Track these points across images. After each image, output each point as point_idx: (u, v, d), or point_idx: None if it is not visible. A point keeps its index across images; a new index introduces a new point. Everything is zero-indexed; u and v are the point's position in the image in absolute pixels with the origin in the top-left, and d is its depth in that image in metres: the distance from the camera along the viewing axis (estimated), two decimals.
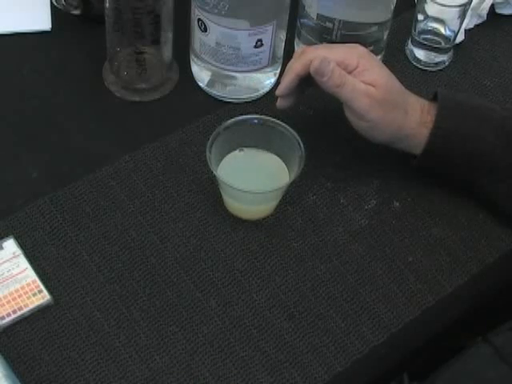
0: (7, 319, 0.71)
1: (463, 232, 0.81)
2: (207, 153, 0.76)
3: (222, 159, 0.80)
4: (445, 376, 0.70)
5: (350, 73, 0.77)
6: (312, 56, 0.77)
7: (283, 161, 0.80)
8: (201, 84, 0.91)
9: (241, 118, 0.79)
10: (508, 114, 0.79)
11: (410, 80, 0.94)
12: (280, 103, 0.81)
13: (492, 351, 0.70)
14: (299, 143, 0.77)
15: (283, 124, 0.78)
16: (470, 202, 0.82)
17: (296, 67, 0.79)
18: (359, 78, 0.77)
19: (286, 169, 0.80)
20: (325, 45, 0.86)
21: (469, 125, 0.78)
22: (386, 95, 0.77)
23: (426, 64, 0.95)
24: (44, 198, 0.80)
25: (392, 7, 0.87)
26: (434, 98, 0.81)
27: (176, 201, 0.81)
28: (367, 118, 0.77)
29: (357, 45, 0.80)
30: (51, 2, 0.95)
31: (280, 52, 0.89)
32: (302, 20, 0.90)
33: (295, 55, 0.81)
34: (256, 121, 0.79)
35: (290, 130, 0.78)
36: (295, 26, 0.91)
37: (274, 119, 0.79)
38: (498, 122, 0.78)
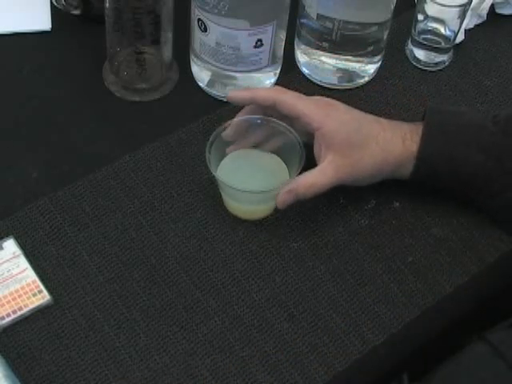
0: (7, 319, 0.71)
1: (463, 232, 0.81)
2: (207, 153, 0.76)
3: (221, 159, 0.80)
4: (441, 375, 0.70)
5: (313, 130, 0.77)
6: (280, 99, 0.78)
7: (283, 161, 0.80)
8: (201, 84, 0.91)
9: (243, 118, 0.79)
10: (498, 129, 0.78)
11: (410, 80, 0.94)
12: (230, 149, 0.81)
13: (488, 349, 0.70)
14: (299, 143, 0.77)
15: (284, 124, 0.78)
16: None
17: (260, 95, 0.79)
18: (320, 138, 0.77)
19: (286, 168, 0.80)
20: (295, 94, 0.82)
21: (455, 148, 0.77)
22: (346, 151, 0.76)
23: (426, 64, 0.95)
24: (44, 198, 0.80)
25: (392, 7, 0.87)
26: (424, 115, 0.80)
27: (176, 201, 0.81)
28: (351, 183, 0.78)
29: (320, 98, 0.80)
30: (51, 2, 0.95)
31: (280, 52, 0.89)
32: (301, 20, 0.89)
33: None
34: (259, 121, 0.79)
35: (290, 129, 0.78)
36: (295, 25, 0.91)
37: (275, 119, 0.79)
38: (488, 141, 0.77)
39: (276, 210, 0.80)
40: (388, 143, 0.77)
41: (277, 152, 0.80)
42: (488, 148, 0.77)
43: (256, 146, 0.81)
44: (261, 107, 0.80)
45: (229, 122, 0.79)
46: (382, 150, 0.77)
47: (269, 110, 0.80)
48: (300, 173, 0.76)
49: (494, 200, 0.78)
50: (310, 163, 0.77)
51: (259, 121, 0.79)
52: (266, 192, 0.77)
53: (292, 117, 0.78)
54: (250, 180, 0.79)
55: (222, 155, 0.80)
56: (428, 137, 0.77)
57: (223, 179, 0.76)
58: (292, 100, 0.78)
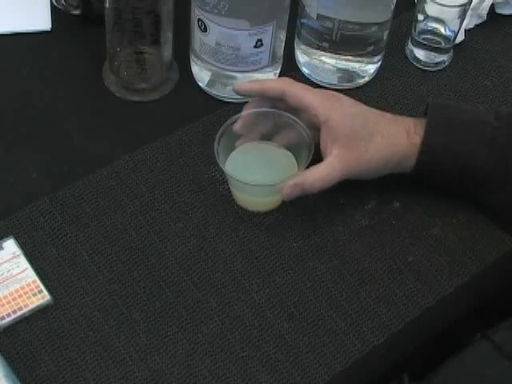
0: (7, 319, 0.71)
1: (463, 232, 0.81)
2: (215, 145, 0.76)
3: (230, 152, 0.79)
4: (443, 373, 0.70)
5: (319, 123, 0.77)
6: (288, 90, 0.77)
7: (292, 154, 0.80)
8: (201, 84, 0.91)
9: (254, 110, 0.79)
10: (501, 124, 0.78)
11: (410, 80, 0.94)
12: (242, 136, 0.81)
13: (492, 348, 0.70)
14: (308, 137, 0.77)
15: (294, 117, 0.78)
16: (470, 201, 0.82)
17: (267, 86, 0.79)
18: (326, 132, 0.77)
19: (295, 162, 0.79)
20: (303, 85, 0.82)
21: (459, 141, 0.77)
22: (352, 144, 0.76)
23: (426, 64, 0.95)
24: (44, 198, 0.80)
25: (392, 7, 0.87)
26: (425, 111, 0.80)
27: (176, 201, 0.81)
28: (356, 177, 0.78)
29: (327, 91, 0.80)
30: (51, 2, 0.95)
31: (280, 52, 0.89)
32: (302, 20, 0.89)
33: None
34: (271, 114, 0.79)
35: (300, 123, 0.78)
36: (295, 25, 0.91)
37: (285, 113, 0.79)
38: (490, 135, 0.77)
39: (276, 209, 0.80)
40: (393, 137, 0.78)
41: (286, 145, 0.80)
42: (491, 142, 0.77)
43: (264, 139, 0.80)
44: (268, 99, 0.80)
45: (238, 114, 0.79)
46: (388, 144, 0.77)
47: (276, 102, 0.79)
48: (307, 166, 0.76)
49: (495, 195, 0.78)
50: (310, 163, 0.77)
51: (271, 114, 0.79)
52: (274, 185, 0.76)
53: (300, 109, 0.78)
54: (258, 173, 0.78)
55: (231, 148, 0.79)
56: (432, 129, 0.77)
57: (231, 173, 0.76)
58: (301, 91, 0.78)
